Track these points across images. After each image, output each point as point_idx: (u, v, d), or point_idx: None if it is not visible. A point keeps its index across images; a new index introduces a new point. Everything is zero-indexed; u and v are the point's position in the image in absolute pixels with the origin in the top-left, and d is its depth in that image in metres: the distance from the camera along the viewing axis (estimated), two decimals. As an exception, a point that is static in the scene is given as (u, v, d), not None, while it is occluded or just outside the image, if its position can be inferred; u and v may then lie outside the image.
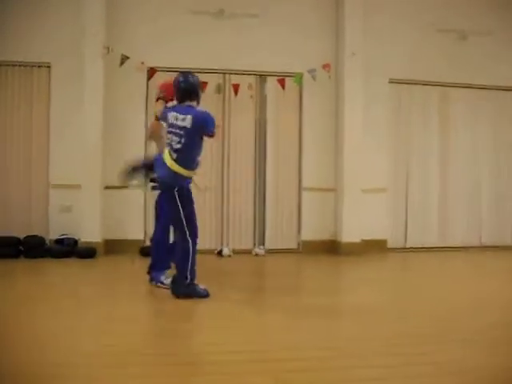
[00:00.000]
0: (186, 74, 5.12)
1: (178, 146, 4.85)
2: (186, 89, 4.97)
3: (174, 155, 4.88)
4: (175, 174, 4.89)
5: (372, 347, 3.55)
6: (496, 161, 9.47)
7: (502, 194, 9.47)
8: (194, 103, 5.01)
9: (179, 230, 5.01)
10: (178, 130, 4.86)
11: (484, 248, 9.22)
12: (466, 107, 9.36)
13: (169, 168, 4.90)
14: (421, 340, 3.73)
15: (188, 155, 4.92)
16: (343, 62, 8.54)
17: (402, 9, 8.94)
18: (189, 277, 4.91)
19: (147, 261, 5.80)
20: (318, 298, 5.19)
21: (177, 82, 5.02)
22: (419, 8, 8.99)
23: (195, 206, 5.14)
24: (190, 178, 5.05)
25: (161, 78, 7.92)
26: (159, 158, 5.14)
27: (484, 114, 9.43)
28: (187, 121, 4.83)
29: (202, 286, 5.01)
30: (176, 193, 4.89)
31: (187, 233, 4.93)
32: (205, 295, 4.95)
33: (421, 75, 9.03)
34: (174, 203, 4.90)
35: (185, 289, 4.92)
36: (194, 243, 4.98)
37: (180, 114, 4.89)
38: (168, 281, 5.30)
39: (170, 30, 8.30)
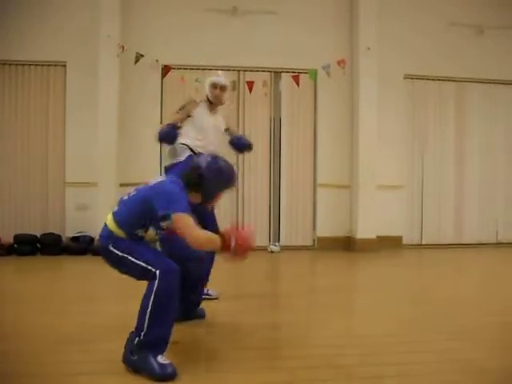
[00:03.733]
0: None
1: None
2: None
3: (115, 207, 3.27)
4: None
5: (385, 344, 3.53)
6: (512, 156, 9.39)
7: (519, 190, 9.38)
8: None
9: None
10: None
11: (500, 245, 9.16)
12: (482, 103, 9.28)
13: None
14: (433, 337, 3.71)
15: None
16: (358, 58, 8.51)
17: (417, 3, 8.88)
18: (142, 334, 2.93)
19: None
20: (332, 296, 5.17)
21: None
22: (435, 2, 8.94)
23: None
24: None
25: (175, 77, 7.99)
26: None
27: (500, 109, 9.33)
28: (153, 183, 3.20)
29: (163, 359, 2.92)
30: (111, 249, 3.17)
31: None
32: (165, 375, 2.84)
33: (436, 71, 8.97)
34: None
35: (132, 353, 2.96)
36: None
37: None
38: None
39: (184, 27, 8.32)
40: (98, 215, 7.84)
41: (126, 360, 2.99)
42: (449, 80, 9.11)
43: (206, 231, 3.06)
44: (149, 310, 2.91)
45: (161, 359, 2.89)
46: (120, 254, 3.07)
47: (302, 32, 8.54)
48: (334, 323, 4.09)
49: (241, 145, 5.09)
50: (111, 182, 7.88)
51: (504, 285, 5.90)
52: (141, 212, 3.07)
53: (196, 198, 3.21)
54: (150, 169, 7.73)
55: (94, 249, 7.65)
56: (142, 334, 2.92)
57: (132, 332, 3.00)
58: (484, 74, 9.11)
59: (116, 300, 4.80)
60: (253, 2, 8.46)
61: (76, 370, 2.99)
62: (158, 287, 2.91)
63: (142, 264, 3.00)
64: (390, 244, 8.59)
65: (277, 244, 8.52)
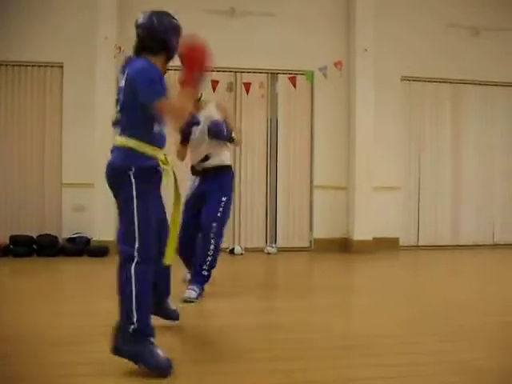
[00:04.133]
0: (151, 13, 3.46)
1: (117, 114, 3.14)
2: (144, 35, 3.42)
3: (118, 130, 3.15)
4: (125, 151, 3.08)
5: (384, 345, 3.53)
6: (509, 158, 9.39)
7: (516, 192, 9.41)
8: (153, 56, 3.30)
9: None
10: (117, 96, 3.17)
11: (497, 246, 9.18)
12: (479, 104, 9.30)
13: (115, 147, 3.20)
14: (431, 338, 3.71)
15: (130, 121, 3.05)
16: (355, 60, 8.52)
17: (415, 5, 8.89)
18: (135, 320, 2.87)
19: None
20: (330, 297, 5.17)
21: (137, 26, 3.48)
22: (432, 3, 8.95)
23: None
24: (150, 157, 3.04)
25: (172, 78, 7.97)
26: None
27: (497, 111, 9.36)
28: (124, 78, 3.14)
29: (159, 352, 2.88)
30: (130, 175, 3.01)
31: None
32: (162, 367, 2.83)
33: (433, 72, 8.99)
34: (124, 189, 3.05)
35: (126, 342, 2.88)
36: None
37: (121, 72, 3.23)
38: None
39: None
40: (94, 216, 7.85)
41: (120, 351, 2.91)
42: (446, 82, 9.13)
43: (175, 99, 3.06)
44: (134, 294, 2.87)
45: (160, 352, 2.87)
46: (133, 190, 2.98)
47: (298, 33, 8.54)
48: (331, 324, 4.09)
49: (215, 131, 4.76)
50: (108, 183, 7.84)
51: (501, 285, 5.91)
52: (137, 105, 2.99)
53: (165, 61, 3.37)
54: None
55: (90, 250, 7.64)
56: (135, 320, 2.86)
57: (118, 322, 2.94)
58: (481, 76, 9.13)
59: (113, 301, 4.77)
60: (250, 4, 8.46)
61: (73, 372, 2.97)
62: (136, 272, 2.91)
63: (135, 223, 3.02)
64: (386, 245, 8.59)
65: (273, 245, 8.52)
